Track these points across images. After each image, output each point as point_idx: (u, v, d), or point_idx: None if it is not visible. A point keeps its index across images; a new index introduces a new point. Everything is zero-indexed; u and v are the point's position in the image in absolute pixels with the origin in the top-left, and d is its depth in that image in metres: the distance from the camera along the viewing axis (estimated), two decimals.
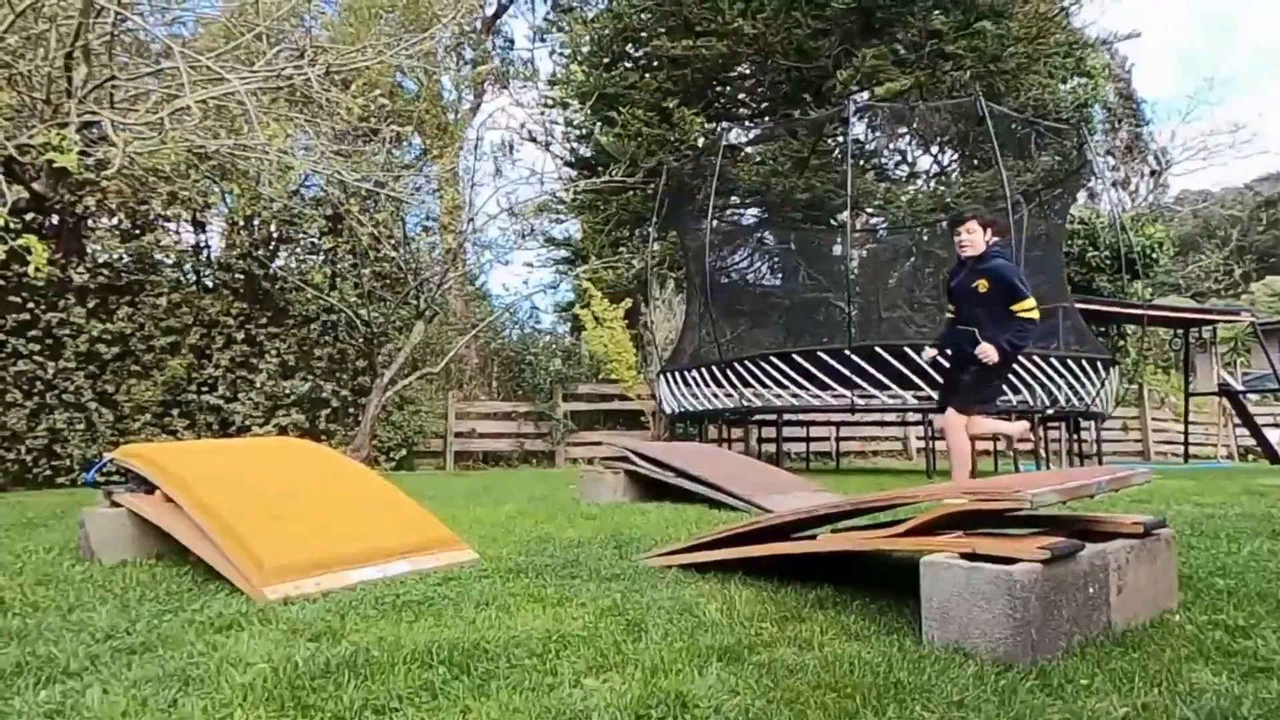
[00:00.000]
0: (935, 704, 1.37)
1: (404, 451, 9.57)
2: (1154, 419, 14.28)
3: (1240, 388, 12.15)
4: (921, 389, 6.92)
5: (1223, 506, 3.84)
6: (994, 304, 4.27)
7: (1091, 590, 1.71)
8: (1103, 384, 7.56)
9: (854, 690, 1.42)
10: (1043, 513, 2.14)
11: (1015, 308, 4.25)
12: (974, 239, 4.39)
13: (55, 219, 7.73)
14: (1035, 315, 4.30)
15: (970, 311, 4.38)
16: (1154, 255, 14.02)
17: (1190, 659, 1.60)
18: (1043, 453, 7.79)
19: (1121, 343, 13.71)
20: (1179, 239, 21.17)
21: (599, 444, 10.30)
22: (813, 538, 2.19)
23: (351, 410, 9.12)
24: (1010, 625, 1.55)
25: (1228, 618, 1.88)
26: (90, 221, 8.09)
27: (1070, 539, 1.70)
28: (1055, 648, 1.59)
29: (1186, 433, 12.03)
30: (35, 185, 5.19)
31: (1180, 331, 12.73)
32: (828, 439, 10.62)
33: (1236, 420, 12.97)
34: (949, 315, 4.69)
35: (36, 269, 4.37)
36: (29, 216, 4.57)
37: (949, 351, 4.77)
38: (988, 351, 4.19)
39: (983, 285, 4.29)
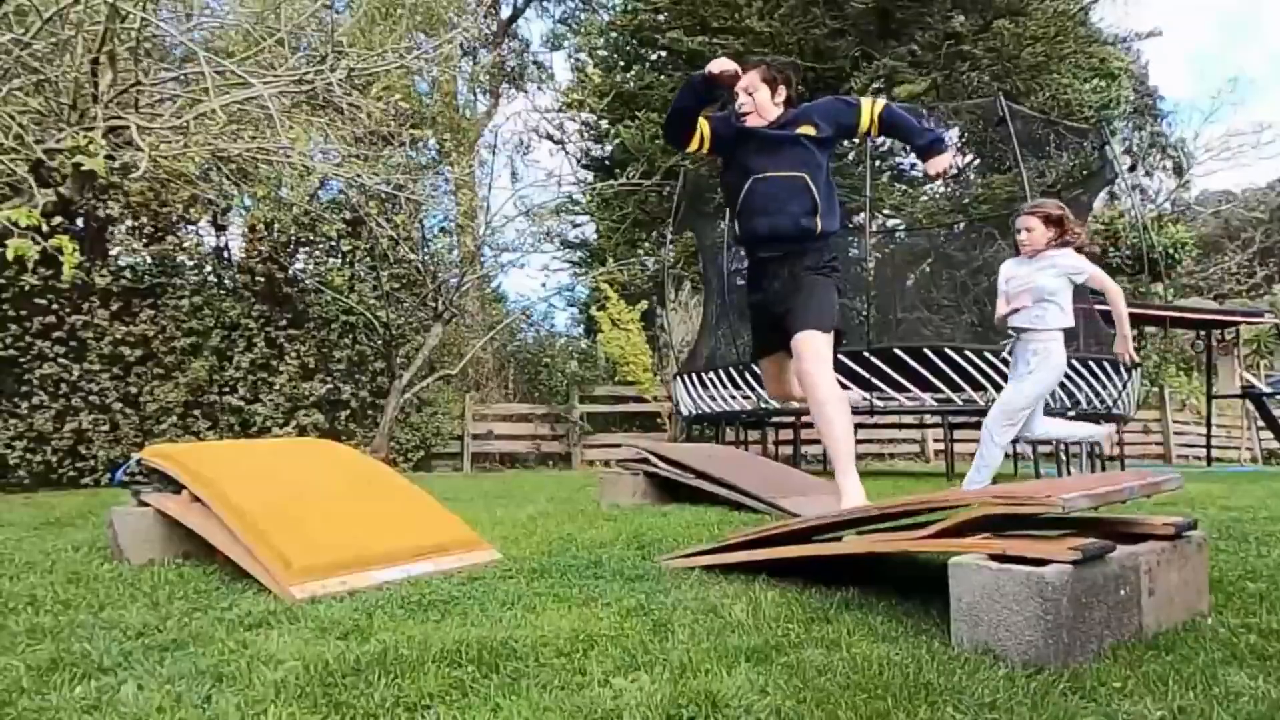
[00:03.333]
0: (967, 706, 1.37)
1: (422, 453, 9.62)
2: (1175, 421, 14.12)
3: (1264, 390, 11.98)
4: (941, 390, 6.88)
5: (1249, 510, 3.79)
6: None
7: (1123, 592, 1.69)
8: (1125, 386, 7.49)
9: (884, 691, 1.42)
10: (1071, 515, 2.12)
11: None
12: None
13: (80, 222, 7.83)
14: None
15: None
16: (1176, 256, 13.87)
17: (1225, 662, 1.58)
18: (1063, 456, 7.72)
19: (1142, 344, 13.57)
20: (1201, 240, 20.94)
21: (616, 446, 10.30)
22: (837, 540, 2.18)
23: (370, 411, 9.17)
24: (1041, 627, 1.54)
25: (1261, 621, 1.86)
26: (113, 225, 8.19)
27: (1101, 540, 1.69)
28: (1087, 650, 1.58)
29: (1209, 435, 11.88)
30: (62, 189, 5.26)
31: (1202, 333, 12.58)
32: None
33: (1260, 423, 12.80)
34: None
35: (69, 271, 4.42)
36: (55, 220, 4.63)
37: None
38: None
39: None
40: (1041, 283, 4.13)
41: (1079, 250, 4.23)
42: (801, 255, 3.10)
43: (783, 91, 3.16)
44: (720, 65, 2.98)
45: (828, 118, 3.15)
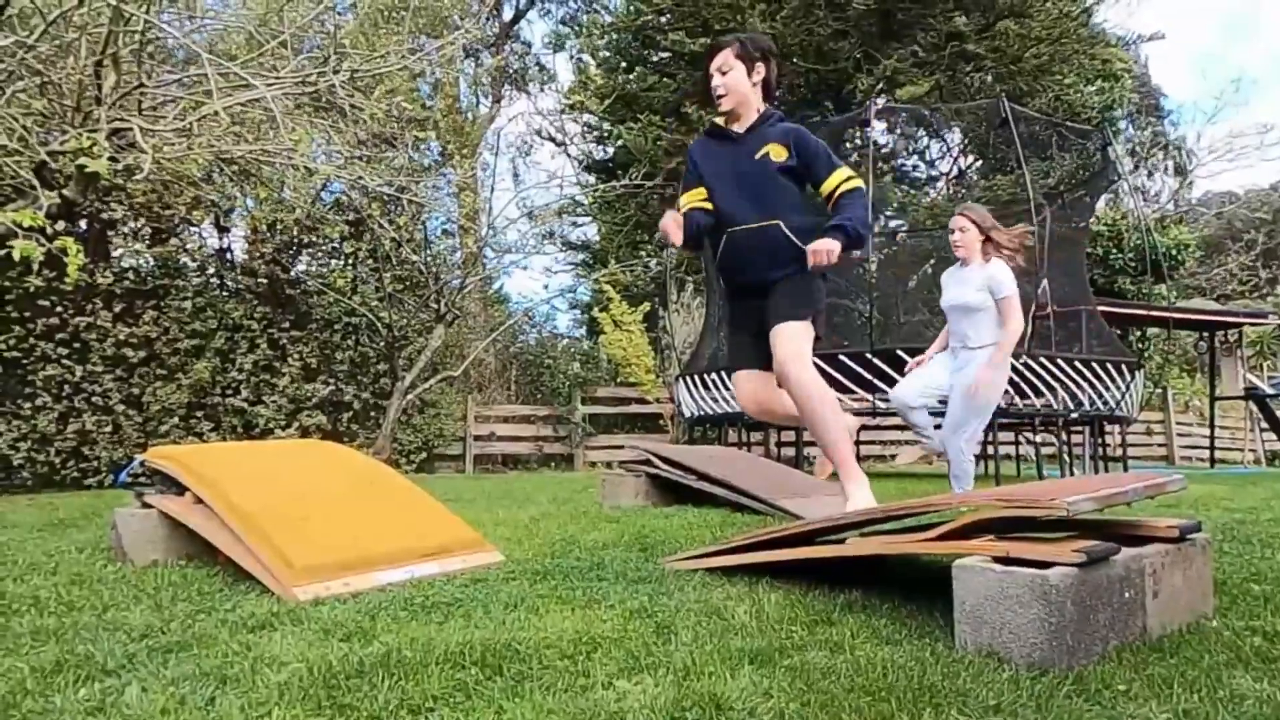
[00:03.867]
0: (971, 708, 1.36)
1: (424, 454, 9.63)
2: (1178, 423, 14.10)
3: (1267, 391, 11.95)
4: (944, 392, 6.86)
5: (1253, 512, 3.78)
6: None
7: (1127, 595, 1.69)
8: (1128, 387, 7.48)
9: (888, 694, 1.42)
10: (1075, 517, 2.11)
11: None
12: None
13: (83, 224, 7.85)
14: None
15: None
16: (1179, 258, 13.85)
17: (1229, 665, 1.58)
18: (1066, 457, 7.71)
19: (1144, 346, 13.55)
20: (1204, 241, 20.91)
21: (618, 447, 10.30)
22: (840, 542, 2.18)
23: (372, 413, 9.18)
24: (1045, 629, 1.54)
25: (1265, 624, 1.85)
26: (116, 227, 8.21)
27: (1105, 543, 1.68)
28: (1091, 653, 1.57)
29: (1212, 437, 11.86)
30: (65, 191, 5.27)
31: (1205, 334, 12.56)
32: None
33: (1263, 424, 12.77)
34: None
35: (73, 272, 4.43)
36: (59, 223, 4.64)
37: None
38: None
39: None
40: (968, 299, 4.09)
41: (1013, 256, 4.13)
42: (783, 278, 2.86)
43: (760, 70, 2.85)
44: (663, 224, 2.77)
45: (804, 153, 2.84)
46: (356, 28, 6.95)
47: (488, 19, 13.11)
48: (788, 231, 2.80)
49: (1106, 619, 1.62)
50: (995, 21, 10.84)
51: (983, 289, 4.05)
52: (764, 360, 2.88)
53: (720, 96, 2.84)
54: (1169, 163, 21.63)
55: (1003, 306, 4.02)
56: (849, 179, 2.83)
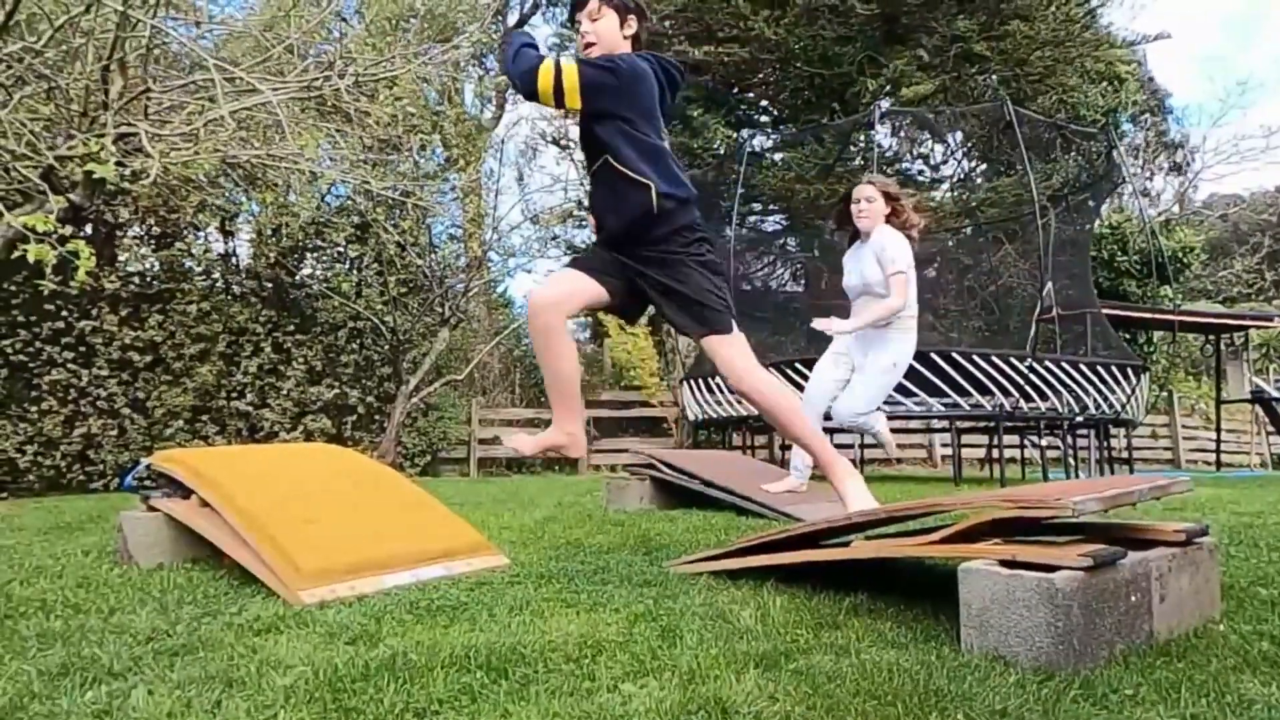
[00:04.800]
0: (978, 712, 1.36)
1: (428, 457, 9.64)
2: (1184, 426, 14.05)
3: (1274, 394, 11.91)
4: (948, 395, 6.86)
5: (1260, 515, 3.76)
6: None
7: (1134, 599, 1.68)
8: (1133, 391, 7.46)
9: (894, 698, 1.41)
10: (1081, 520, 2.11)
11: None
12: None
13: (89, 228, 7.88)
14: None
15: None
16: (1185, 260, 13.82)
17: (1237, 669, 1.57)
18: (1071, 461, 7.69)
19: (1150, 349, 13.51)
20: (1209, 243, 20.87)
21: (623, 451, 10.30)
22: (845, 545, 2.17)
23: (377, 416, 9.20)
24: (1052, 633, 1.53)
25: (1273, 628, 1.84)
26: (122, 230, 8.24)
27: (1111, 546, 1.68)
28: (1098, 657, 1.57)
29: (1219, 440, 11.82)
30: (72, 195, 5.29)
31: (1211, 337, 12.53)
32: (852, 446, 10.55)
33: (1270, 428, 12.72)
34: None
35: (82, 275, 4.45)
36: (66, 227, 4.66)
37: None
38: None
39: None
40: (869, 275, 3.90)
41: (909, 233, 3.96)
42: (649, 245, 2.51)
43: (632, 24, 2.60)
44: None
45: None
46: (363, 35, 6.98)
47: (493, 23, 13.15)
48: (619, 164, 2.44)
49: (1113, 623, 1.62)
50: (999, 24, 10.84)
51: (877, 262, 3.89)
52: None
53: (589, 45, 2.59)
54: (1172, 161, 21.61)
55: (892, 283, 3.84)
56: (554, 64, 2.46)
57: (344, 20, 7.50)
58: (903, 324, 3.96)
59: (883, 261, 3.85)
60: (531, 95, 2.41)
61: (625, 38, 2.61)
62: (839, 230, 4.32)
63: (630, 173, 2.44)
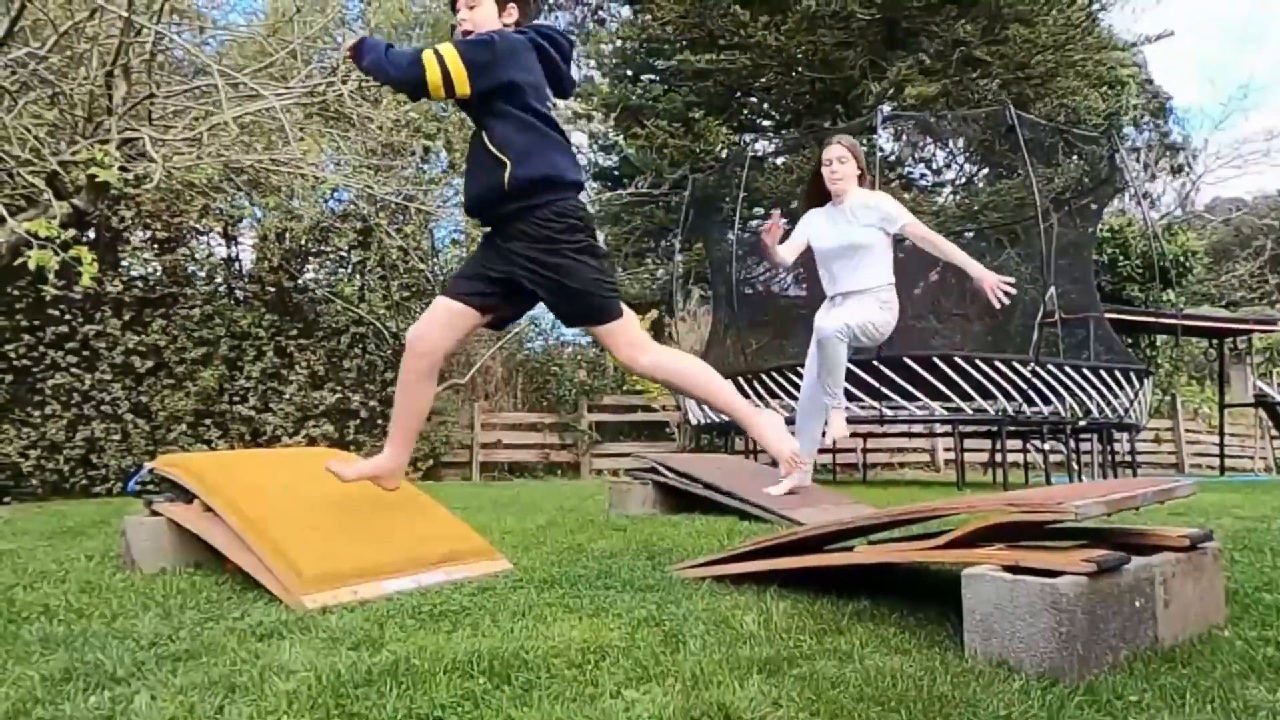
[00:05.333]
0: (982, 718, 1.36)
1: (430, 462, 9.64)
2: (1188, 430, 14.03)
3: (1277, 398, 11.88)
4: (951, 399, 6.85)
5: (1264, 520, 3.75)
6: None
7: (1138, 604, 1.68)
8: (1136, 395, 7.45)
9: (898, 704, 1.41)
10: (1084, 525, 2.10)
11: None
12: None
13: (92, 233, 7.90)
14: None
15: None
16: (1187, 264, 13.80)
17: (1242, 675, 1.57)
18: (1074, 465, 7.67)
19: (1153, 353, 13.49)
20: (1212, 248, 20.85)
21: (625, 455, 10.30)
22: (848, 550, 2.17)
23: (380, 421, 9.19)
24: (1056, 639, 1.53)
25: (1278, 634, 1.84)
26: (125, 235, 8.27)
27: (1115, 551, 1.68)
28: (1102, 663, 1.56)
29: (1222, 444, 11.80)
30: (75, 201, 5.31)
31: (1214, 341, 12.51)
32: (854, 450, 10.55)
33: (1274, 432, 12.70)
34: None
35: (86, 280, 4.47)
36: (70, 232, 4.68)
37: None
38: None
39: None
40: (856, 237, 3.70)
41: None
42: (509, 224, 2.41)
43: (513, 11, 2.51)
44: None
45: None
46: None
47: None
48: (488, 144, 2.37)
49: (1117, 628, 1.61)
50: (1000, 28, 10.86)
51: (872, 224, 3.70)
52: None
53: (466, 33, 2.51)
54: (1174, 164, 21.59)
55: (911, 230, 3.74)
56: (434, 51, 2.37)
57: (348, 26, 7.53)
58: (882, 295, 3.78)
59: (886, 221, 3.70)
60: (420, 91, 2.34)
61: (504, 25, 2.49)
62: (809, 206, 3.99)
63: (493, 149, 2.37)
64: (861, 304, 3.77)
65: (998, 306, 3.72)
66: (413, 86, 2.35)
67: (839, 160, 3.73)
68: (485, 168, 2.38)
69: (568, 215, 2.38)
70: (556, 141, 2.44)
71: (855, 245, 3.75)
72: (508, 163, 2.34)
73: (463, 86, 2.32)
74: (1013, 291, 3.67)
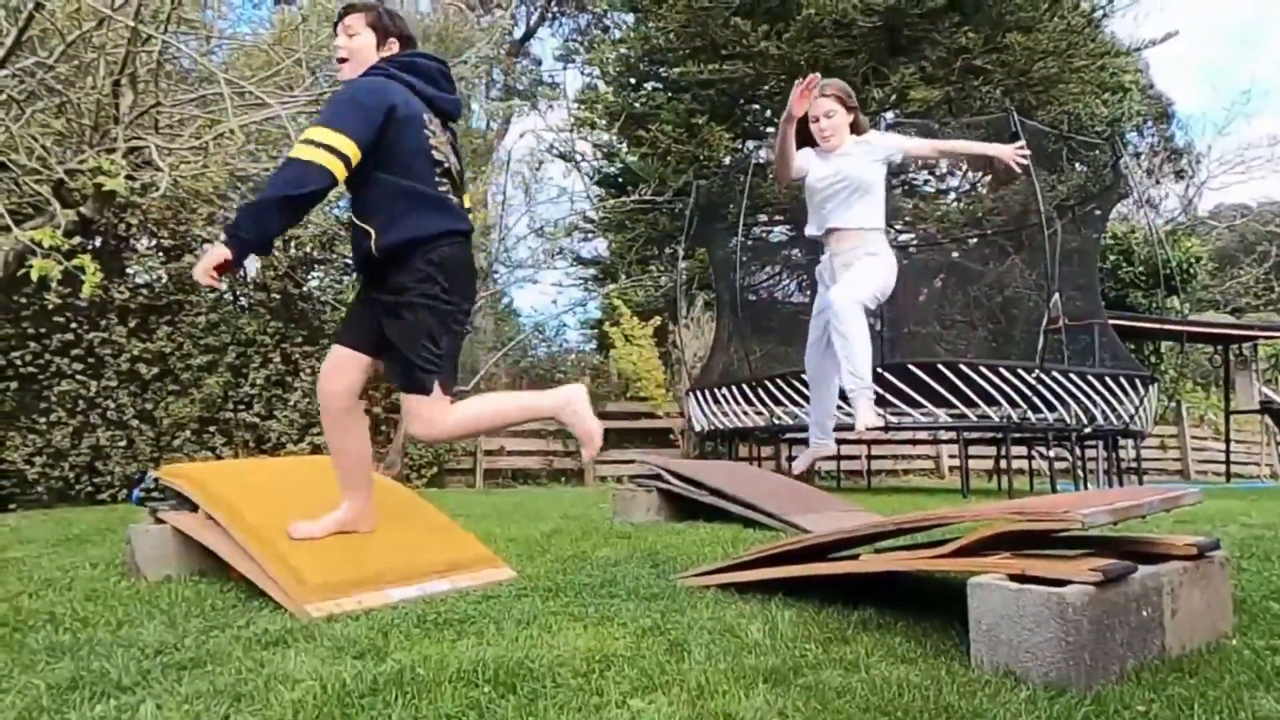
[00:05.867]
0: None
1: (434, 469, 9.64)
2: (1193, 437, 13.97)
3: None
4: (955, 406, 6.84)
5: (1271, 528, 3.74)
6: None
7: (1145, 613, 1.67)
8: (1141, 401, 7.42)
9: (904, 714, 1.41)
10: (1091, 534, 2.10)
11: None
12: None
13: (99, 241, 7.93)
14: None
15: None
16: (1191, 270, 13.77)
17: (1250, 685, 1.56)
18: (1080, 472, 7.65)
19: (1157, 360, 13.46)
20: (1216, 254, 20.81)
21: (629, 462, 10.28)
22: (854, 558, 2.17)
23: (384, 428, 9.20)
24: (1062, 649, 1.52)
25: None
26: (131, 243, 8.30)
27: (1121, 560, 1.67)
28: (1109, 672, 1.56)
29: (1228, 451, 11.75)
30: (83, 209, 5.34)
31: (1220, 348, 12.47)
32: (859, 457, 10.53)
33: (1279, 438, 12.64)
34: None
35: (89, 289, 4.48)
36: (75, 239, 4.70)
37: None
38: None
39: None
40: (864, 172, 3.29)
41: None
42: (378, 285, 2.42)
43: (393, 46, 2.48)
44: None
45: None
46: None
47: (500, 39, 13.25)
48: (354, 215, 2.41)
49: (1124, 638, 1.61)
50: (1002, 35, 10.87)
51: (880, 160, 3.33)
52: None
53: (342, 60, 2.46)
54: (1176, 169, 21.56)
55: (914, 150, 3.49)
56: (303, 140, 2.25)
57: None
58: (873, 245, 3.36)
59: (895, 152, 3.39)
60: (330, 187, 2.26)
61: (382, 59, 2.44)
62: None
63: (357, 220, 2.40)
64: (868, 265, 3.33)
65: (1019, 171, 3.46)
66: (322, 188, 2.24)
67: (826, 115, 3.29)
68: (358, 232, 2.40)
69: (430, 264, 2.33)
70: (425, 197, 2.37)
71: (866, 182, 3.31)
72: (372, 232, 2.34)
73: (358, 157, 2.27)
74: (1028, 153, 3.39)
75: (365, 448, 2.58)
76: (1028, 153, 3.46)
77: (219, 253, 2.22)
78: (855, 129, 3.39)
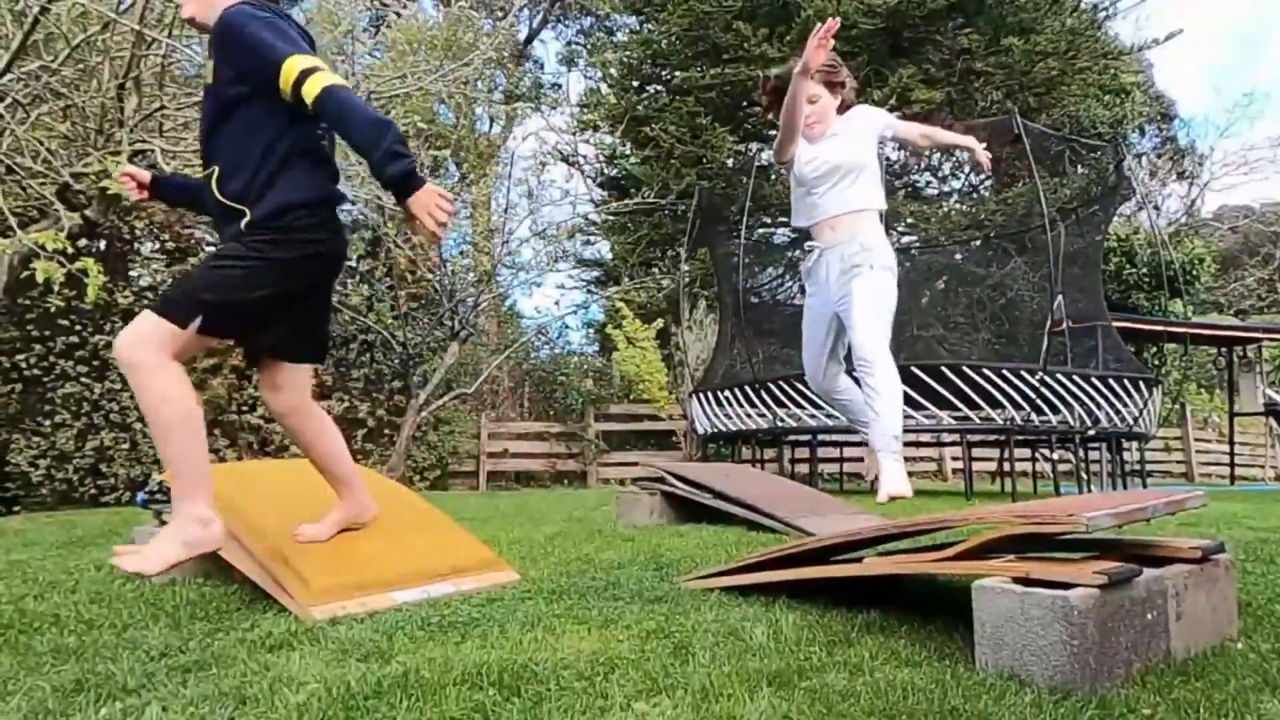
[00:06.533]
0: None
1: (438, 472, 9.65)
2: (1197, 440, 13.95)
3: None
4: (958, 409, 6.83)
5: (1276, 530, 3.73)
6: None
7: (1150, 617, 1.67)
8: (1145, 404, 7.41)
9: (909, 717, 1.40)
10: (1095, 537, 2.09)
11: None
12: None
13: (103, 244, 7.96)
14: None
15: None
16: (1194, 272, 13.75)
17: (1256, 689, 1.55)
18: (1084, 475, 7.63)
19: (1160, 362, 13.44)
20: (1220, 255, 20.76)
21: (632, 464, 10.29)
22: (858, 560, 2.16)
23: (387, 430, 9.21)
24: (1067, 652, 1.52)
25: None
26: (136, 246, 8.32)
27: (1126, 564, 1.67)
28: (1114, 676, 1.56)
29: (1232, 453, 11.72)
30: (87, 212, 5.36)
31: (1224, 350, 12.45)
32: (861, 460, 10.51)
33: None
34: None
35: (93, 292, 4.50)
36: (80, 242, 4.71)
37: None
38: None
39: None
40: (860, 155, 3.06)
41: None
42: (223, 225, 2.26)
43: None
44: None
45: (233, 58, 2.12)
46: (378, 56, 7.06)
47: (504, 43, 13.27)
48: (216, 192, 2.17)
49: (1129, 641, 1.60)
50: (1003, 37, 10.87)
51: (870, 138, 3.11)
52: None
53: (189, 19, 2.23)
54: (1179, 171, 21.52)
55: (901, 131, 3.19)
56: (313, 76, 2.01)
57: (356, 40, 7.58)
58: (871, 236, 3.14)
59: (886, 129, 3.16)
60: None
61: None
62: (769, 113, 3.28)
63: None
64: (874, 287, 3.08)
65: (987, 168, 3.24)
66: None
67: (810, 101, 3.09)
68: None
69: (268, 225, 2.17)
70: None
71: (865, 164, 3.10)
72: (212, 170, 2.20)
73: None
74: (990, 156, 3.19)
75: (333, 443, 2.54)
76: (989, 155, 3.25)
77: (428, 188, 2.00)
78: (843, 107, 3.17)
